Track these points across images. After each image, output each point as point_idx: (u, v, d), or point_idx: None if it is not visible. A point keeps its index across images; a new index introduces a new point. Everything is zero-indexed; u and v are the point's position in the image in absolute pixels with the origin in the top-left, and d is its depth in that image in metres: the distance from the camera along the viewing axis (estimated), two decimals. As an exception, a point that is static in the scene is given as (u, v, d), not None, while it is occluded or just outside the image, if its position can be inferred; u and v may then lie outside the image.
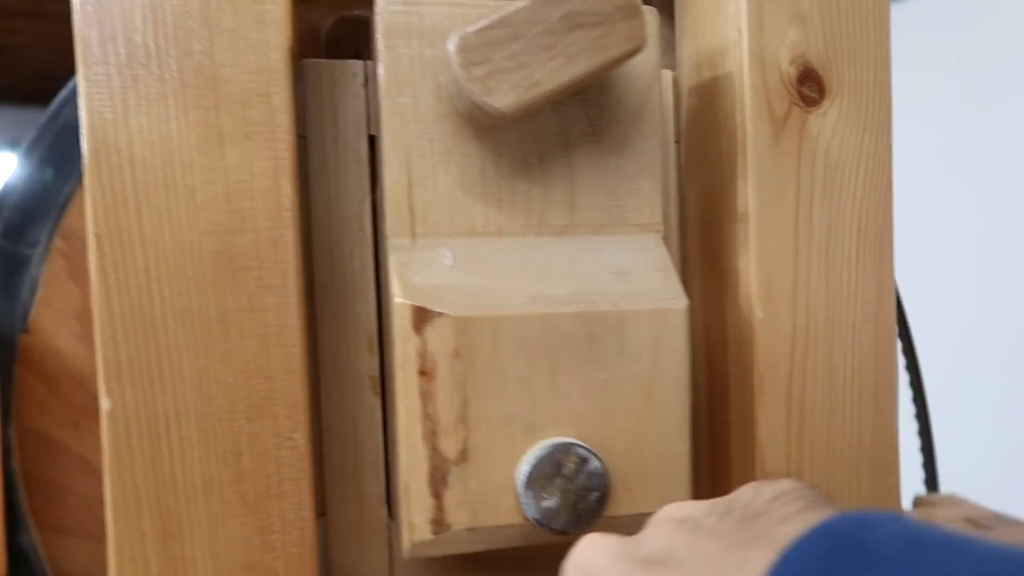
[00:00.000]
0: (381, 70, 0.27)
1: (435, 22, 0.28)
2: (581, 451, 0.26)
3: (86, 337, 0.37)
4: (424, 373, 0.26)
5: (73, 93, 0.36)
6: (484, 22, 0.25)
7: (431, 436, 0.26)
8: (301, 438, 0.27)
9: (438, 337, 0.26)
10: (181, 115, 0.26)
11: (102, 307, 0.25)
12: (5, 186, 0.37)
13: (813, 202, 0.31)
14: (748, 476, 0.31)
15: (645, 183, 0.30)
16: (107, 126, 0.25)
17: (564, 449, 0.26)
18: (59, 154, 0.36)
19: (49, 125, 0.37)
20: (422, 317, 0.26)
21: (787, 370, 0.31)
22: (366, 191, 0.31)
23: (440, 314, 0.26)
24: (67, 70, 0.28)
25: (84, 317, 0.37)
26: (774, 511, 0.19)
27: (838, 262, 0.31)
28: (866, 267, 0.32)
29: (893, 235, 0.32)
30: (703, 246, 0.34)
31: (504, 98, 0.25)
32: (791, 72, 0.31)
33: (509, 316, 0.27)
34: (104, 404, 0.25)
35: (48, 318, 0.36)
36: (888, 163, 0.32)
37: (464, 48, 0.24)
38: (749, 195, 0.30)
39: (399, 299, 0.26)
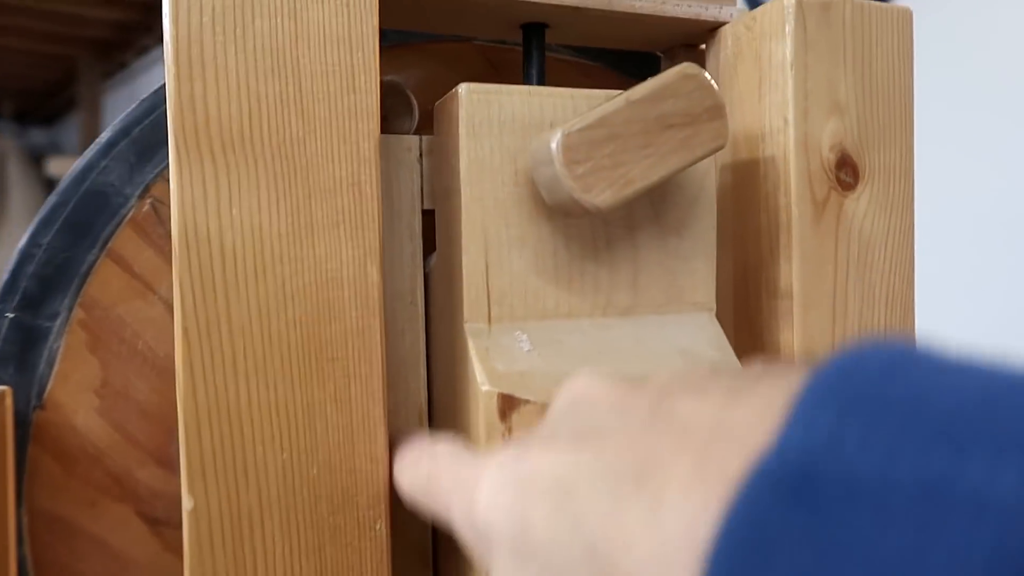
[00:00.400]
0: (463, 157, 0.28)
1: (514, 110, 0.28)
2: None
3: (105, 412, 0.35)
4: None
5: (100, 155, 0.35)
6: (583, 121, 0.25)
7: None
8: (382, 528, 0.27)
9: (524, 424, 0.26)
10: (273, 204, 0.25)
11: (187, 402, 0.24)
12: (21, 253, 0.35)
13: (848, 279, 0.33)
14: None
15: (701, 263, 0.31)
16: (198, 216, 0.24)
17: None
18: (83, 220, 0.35)
19: (72, 189, 0.35)
20: (509, 405, 0.26)
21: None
22: (418, 266, 0.31)
23: (527, 401, 0.26)
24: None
25: (104, 391, 0.35)
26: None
27: (870, 336, 0.33)
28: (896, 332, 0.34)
29: (915, 307, 0.34)
30: (740, 319, 0.35)
31: (602, 195, 0.26)
32: (831, 158, 0.33)
33: None
34: (186, 503, 0.24)
35: (66, 393, 0.35)
36: (911, 240, 0.34)
37: (567, 147, 0.25)
38: (793, 273, 0.32)
39: (485, 387, 0.26)
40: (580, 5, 0.33)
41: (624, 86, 0.42)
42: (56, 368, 0.34)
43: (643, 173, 0.26)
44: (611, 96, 0.30)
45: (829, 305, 0.33)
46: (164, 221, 0.35)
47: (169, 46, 0.24)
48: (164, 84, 0.36)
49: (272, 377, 0.25)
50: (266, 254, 0.25)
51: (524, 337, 0.28)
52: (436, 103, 0.31)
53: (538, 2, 0.32)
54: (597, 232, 0.30)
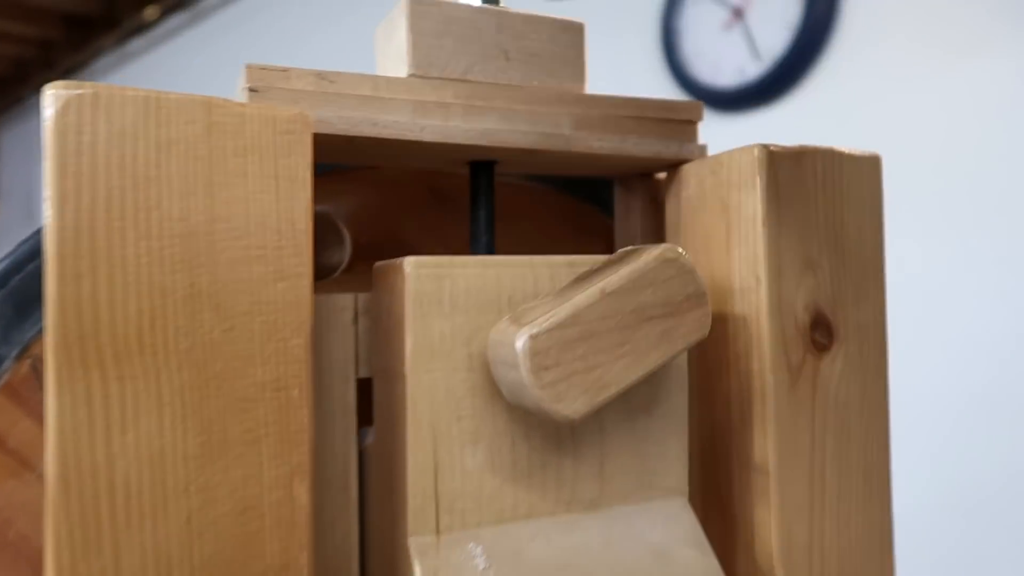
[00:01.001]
0: (409, 342, 0.24)
1: (468, 285, 0.25)
2: None
3: None
4: None
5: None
6: (552, 318, 0.22)
7: None
8: None
9: None
10: (178, 423, 0.21)
11: None
12: None
13: (826, 451, 0.30)
14: None
15: (673, 444, 0.28)
16: (81, 447, 0.20)
17: None
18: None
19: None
20: None
21: (806, 628, 0.30)
22: (352, 445, 0.27)
23: None
24: None
25: None
26: None
27: (848, 512, 0.31)
28: (872, 515, 0.31)
29: (891, 479, 0.32)
30: (708, 494, 0.32)
31: (574, 404, 0.22)
32: (805, 319, 0.30)
33: None
34: None
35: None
36: (887, 404, 0.32)
37: (535, 351, 0.22)
38: (769, 446, 0.29)
39: None
40: (534, 147, 0.30)
41: (576, 209, 0.39)
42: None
43: (620, 375, 0.23)
44: (575, 264, 0.26)
45: (807, 480, 0.30)
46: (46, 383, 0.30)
47: (52, 238, 0.19)
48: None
49: (174, 637, 0.20)
50: (168, 485, 0.20)
51: (479, 550, 0.24)
52: (376, 264, 0.27)
53: (488, 146, 0.29)
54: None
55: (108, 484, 0.20)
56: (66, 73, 2.19)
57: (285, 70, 0.26)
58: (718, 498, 0.31)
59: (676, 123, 0.33)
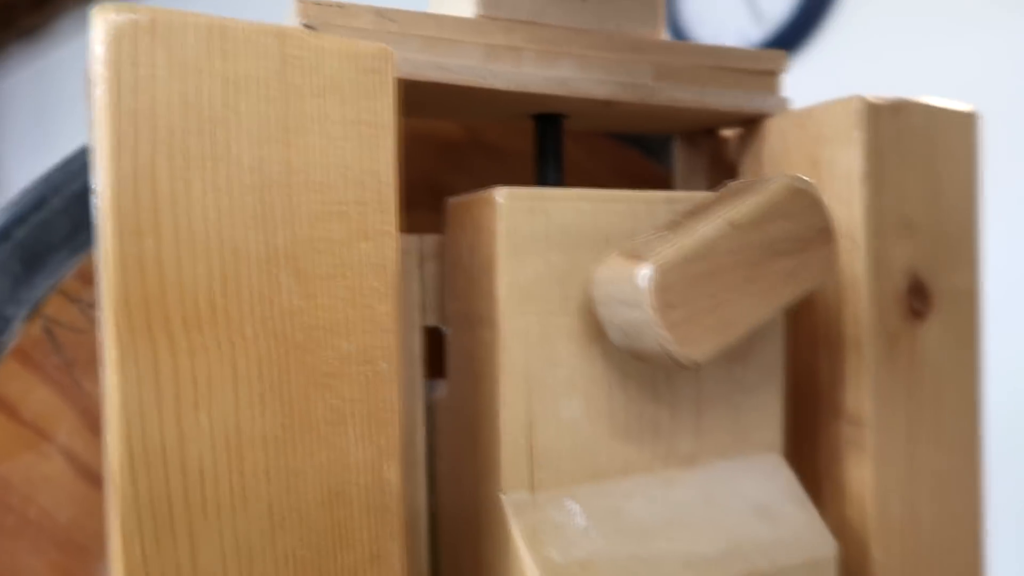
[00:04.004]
0: (502, 282, 0.21)
1: (565, 221, 0.22)
2: None
3: None
4: None
5: None
6: (678, 251, 0.20)
7: None
8: None
9: None
10: (257, 400, 0.18)
11: None
12: None
13: (923, 419, 0.28)
14: None
15: (768, 396, 0.26)
16: (149, 426, 0.17)
17: None
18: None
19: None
20: None
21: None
22: (418, 399, 0.25)
23: None
24: None
25: None
26: None
27: (942, 484, 0.29)
28: (966, 493, 0.29)
29: (981, 452, 0.30)
30: (797, 446, 0.30)
31: (702, 347, 0.20)
32: (902, 284, 0.28)
33: None
34: None
35: None
36: (979, 377, 0.30)
37: (662, 287, 0.19)
38: (866, 399, 0.27)
39: None
40: (613, 98, 0.27)
41: (630, 159, 0.37)
42: None
43: (746, 314, 0.21)
44: (673, 200, 0.24)
45: (902, 439, 0.28)
46: (61, 347, 0.27)
47: (108, 188, 0.17)
48: (56, 169, 0.28)
49: (255, 641, 0.18)
50: (246, 469, 0.18)
51: (576, 508, 0.22)
52: (450, 200, 0.25)
53: (562, 96, 0.26)
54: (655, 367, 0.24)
55: (180, 468, 0.17)
56: (26, 33, 2.13)
57: (341, 6, 0.23)
58: (808, 451, 0.29)
59: (758, 74, 0.30)
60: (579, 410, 0.23)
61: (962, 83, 0.97)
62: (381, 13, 0.24)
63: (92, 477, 0.28)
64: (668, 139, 0.38)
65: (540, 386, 0.22)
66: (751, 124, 0.31)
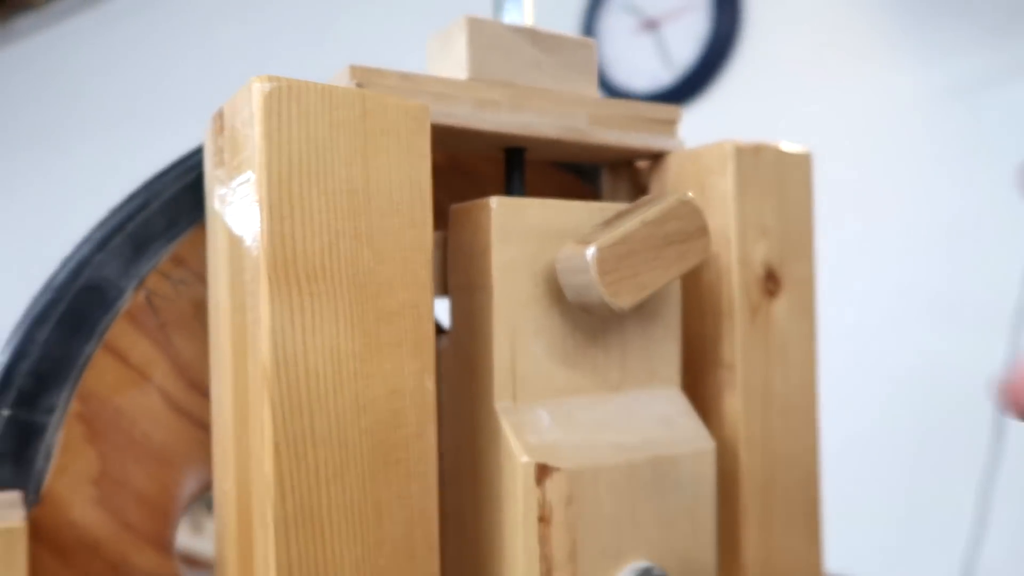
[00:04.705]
0: (495, 260, 0.32)
1: (535, 221, 0.33)
2: (657, 571, 0.33)
3: (103, 501, 0.36)
4: (543, 519, 0.31)
5: (95, 250, 0.36)
6: (610, 238, 0.31)
7: (547, 573, 0.31)
8: (428, 607, 0.30)
9: (555, 488, 0.31)
10: (348, 328, 0.28)
11: (277, 510, 0.27)
12: (16, 350, 0.35)
13: (773, 365, 0.41)
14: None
15: (670, 345, 0.38)
16: (287, 341, 0.27)
17: (647, 572, 0.33)
18: (79, 314, 0.35)
19: (67, 285, 0.35)
20: (544, 473, 0.31)
21: (760, 503, 0.40)
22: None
23: (557, 469, 0.31)
24: None
25: (101, 481, 0.36)
26: None
27: (790, 418, 0.41)
28: (806, 426, 0.42)
29: (817, 405, 0.43)
30: (687, 386, 0.42)
31: (625, 299, 0.31)
32: (760, 272, 0.40)
33: (605, 466, 0.32)
34: (270, 601, 0.27)
35: (63, 486, 0.35)
36: (815, 343, 0.43)
37: (601, 259, 0.30)
38: (736, 351, 0.39)
39: (524, 458, 0.31)
40: (561, 138, 0.39)
41: (567, 181, 0.48)
42: (53, 462, 0.35)
43: (653, 280, 0.32)
44: (605, 209, 0.35)
45: (761, 380, 0.40)
46: (158, 311, 0.37)
47: (264, 188, 0.27)
48: (155, 179, 0.37)
49: (348, 481, 0.28)
50: (343, 372, 0.28)
51: (544, 413, 0.33)
52: (453, 207, 0.35)
53: (527, 135, 0.38)
54: (594, 321, 0.35)
55: (304, 370, 0.27)
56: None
57: (379, 71, 0.34)
58: (695, 390, 0.41)
59: (662, 122, 0.42)
60: (544, 349, 0.34)
61: (853, 117, 1.14)
62: (404, 76, 0.35)
63: (179, 409, 0.37)
64: (598, 167, 0.49)
65: (519, 331, 0.33)
66: (657, 158, 0.43)
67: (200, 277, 0.37)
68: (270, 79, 0.27)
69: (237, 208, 0.29)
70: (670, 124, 0.43)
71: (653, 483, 0.34)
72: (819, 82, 1.18)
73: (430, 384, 0.30)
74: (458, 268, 0.34)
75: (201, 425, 0.37)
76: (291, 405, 0.27)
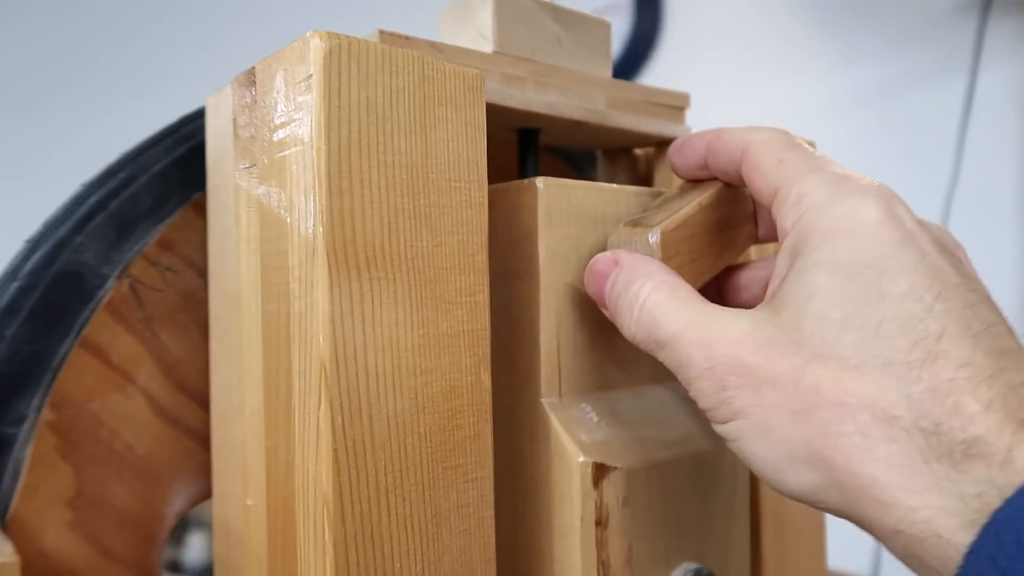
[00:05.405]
0: (542, 245, 0.30)
1: (579, 203, 0.31)
2: (705, 572, 0.32)
3: (79, 525, 0.31)
4: (599, 523, 0.29)
5: (74, 231, 0.31)
6: (672, 221, 0.29)
7: None
8: (482, 624, 0.28)
9: (612, 489, 0.29)
10: (408, 318, 0.25)
11: (336, 528, 0.23)
12: (-25, 348, 0.29)
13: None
14: None
15: None
16: (347, 333, 0.24)
17: (695, 572, 0.31)
18: (53, 306, 0.30)
19: (40, 271, 0.30)
20: (601, 473, 0.29)
21: (775, 498, 0.39)
22: None
23: (615, 468, 0.29)
24: None
25: (78, 502, 0.31)
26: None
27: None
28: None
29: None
30: None
31: None
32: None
33: (656, 463, 0.31)
34: (327, 629, 0.24)
35: (33, 509, 0.30)
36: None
37: (664, 244, 0.29)
38: None
39: (581, 457, 0.28)
40: (582, 120, 0.37)
41: (559, 167, 0.46)
42: (22, 481, 0.30)
43: (710, 266, 0.31)
44: (641, 193, 0.34)
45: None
46: (144, 303, 0.32)
47: (322, 159, 0.24)
48: (141, 150, 0.33)
49: (407, 491, 0.25)
50: (402, 368, 0.25)
51: (589, 408, 0.31)
52: (490, 187, 0.33)
53: (551, 115, 0.35)
54: (630, 319, 0.33)
55: (364, 367, 0.24)
56: None
57: (408, 38, 0.31)
58: None
59: (672, 108, 0.41)
60: (587, 341, 0.31)
61: (767, 120, 1.17)
62: (434, 45, 0.32)
63: (166, 416, 0.32)
64: (588, 154, 0.48)
65: (564, 322, 0.31)
66: (662, 145, 0.42)
67: (191, 264, 0.33)
68: (329, 36, 0.24)
69: (277, 183, 0.25)
70: (680, 110, 0.41)
71: (697, 480, 0.32)
72: (734, 86, 1.21)
73: (487, 380, 0.27)
74: (499, 256, 0.31)
75: (190, 433, 0.33)
76: (351, 407, 0.24)
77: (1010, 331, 0.20)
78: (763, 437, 0.22)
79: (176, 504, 0.33)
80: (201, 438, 0.33)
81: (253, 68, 0.27)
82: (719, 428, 0.24)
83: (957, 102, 1.02)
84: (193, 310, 0.33)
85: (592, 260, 0.29)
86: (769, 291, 0.24)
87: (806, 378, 0.21)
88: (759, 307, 0.24)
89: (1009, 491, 0.17)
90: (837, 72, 1.15)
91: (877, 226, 0.22)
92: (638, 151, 0.45)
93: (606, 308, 0.28)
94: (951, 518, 0.18)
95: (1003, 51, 1.00)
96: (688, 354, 0.24)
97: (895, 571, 1.09)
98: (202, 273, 0.33)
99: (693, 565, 0.31)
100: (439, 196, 0.26)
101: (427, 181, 0.26)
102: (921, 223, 0.23)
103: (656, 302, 0.25)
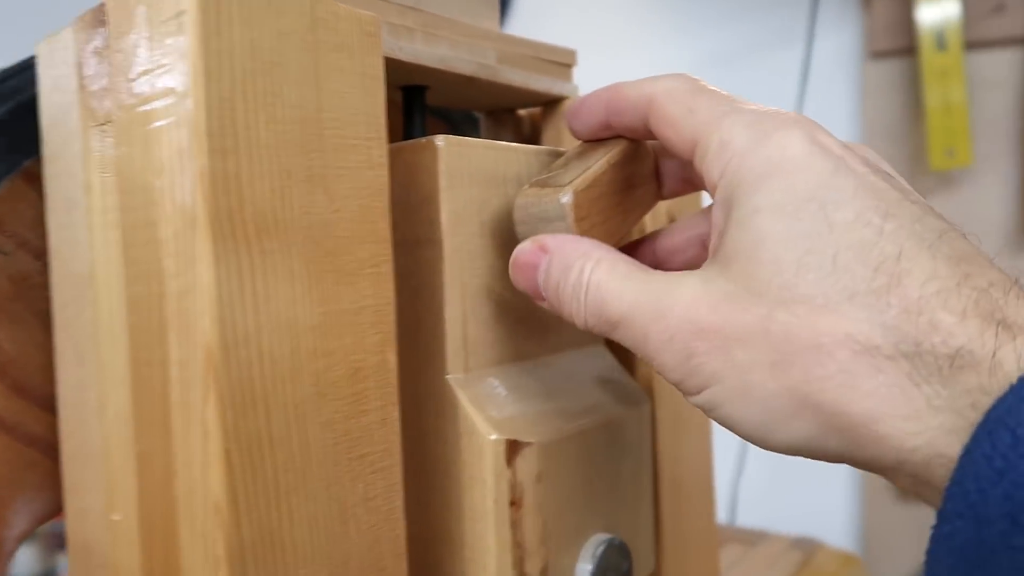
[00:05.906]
0: (444, 209, 0.27)
1: (480, 164, 0.29)
2: (617, 541, 0.31)
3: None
4: (514, 503, 0.27)
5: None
6: (583, 181, 0.27)
7: (519, 563, 0.27)
8: (392, 623, 0.26)
9: (526, 466, 0.28)
10: (306, 294, 0.22)
11: (231, 540, 0.20)
12: None
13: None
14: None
15: None
16: (237, 315, 0.21)
17: (608, 543, 0.30)
18: None
19: None
20: (514, 450, 0.27)
21: (671, 462, 0.39)
22: None
23: (528, 444, 0.28)
24: None
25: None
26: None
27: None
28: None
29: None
30: None
31: None
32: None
33: (570, 435, 0.30)
34: (225, 652, 0.21)
35: None
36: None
37: (576, 204, 0.27)
38: None
39: (493, 435, 0.27)
40: (474, 75, 0.34)
41: (438, 126, 0.44)
42: None
43: (619, 226, 0.29)
44: (540, 152, 0.32)
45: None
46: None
47: (201, 113, 0.20)
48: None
49: (310, 489, 0.22)
50: (301, 351, 0.22)
51: (496, 383, 0.29)
52: (391, 145, 0.30)
53: (442, 70, 0.33)
54: (531, 283, 0.32)
55: (258, 352, 0.21)
56: None
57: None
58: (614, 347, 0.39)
59: (561, 65, 0.39)
60: (492, 311, 0.30)
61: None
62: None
63: (0, 424, 0.28)
64: (467, 115, 0.45)
65: (470, 292, 0.29)
66: (550, 104, 0.40)
67: (23, 243, 0.28)
68: (200, -36, 0.20)
69: (142, 143, 0.22)
70: (568, 67, 0.40)
71: (605, 450, 0.32)
72: (597, 50, 1.21)
73: (393, 360, 0.25)
74: (396, 222, 0.29)
75: (32, 441, 0.28)
76: (244, 399, 0.21)
77: (961, 234, 0.20)
78: (743, 399, 0.20)
79: (18, 526, 0.28)
80: (46, 446, 0.28)
81: (102, 5, 0.22)
82: (693, 400, 0.22)
83: (795, 70, 1.07)
84: (29, 298, 0.28)
85: (515, 252, 0.26)
86: (711, 247, 0.23)
87: (774, 327, 0.20)
88: (705, 265, 0.22)
89: (1002, 393, 0.17)
90: (674, 44, 1.18)
91: (807, 158, 0.21)
92: (522, 111, 0.43)
93: (543, 300, 0.26)
94: (951, 435, 0.18)
95: (834, 20, 1.07)
96: (643, 329, 0.22)
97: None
98: (39, 254, 0.28)
99: (605, 536, 0.31)
100: (336, 156, 0.23)
101: (322, 139, 0.23)
102: (846, 146, 0.22)
103: (599, 282, 0.23)
